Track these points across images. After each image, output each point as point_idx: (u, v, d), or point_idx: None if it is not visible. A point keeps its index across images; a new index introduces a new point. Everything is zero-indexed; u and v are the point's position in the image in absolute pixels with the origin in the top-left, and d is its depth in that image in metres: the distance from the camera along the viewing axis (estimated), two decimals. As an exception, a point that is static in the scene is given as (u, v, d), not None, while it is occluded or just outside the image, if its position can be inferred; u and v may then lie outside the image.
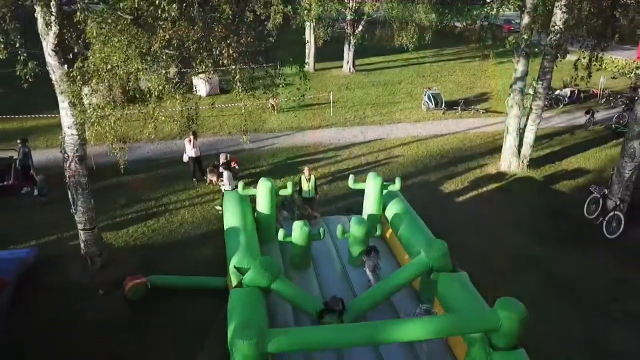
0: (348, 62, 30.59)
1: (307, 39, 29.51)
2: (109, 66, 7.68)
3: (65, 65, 8.65)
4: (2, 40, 7.58)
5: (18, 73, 7.89)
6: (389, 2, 26.12)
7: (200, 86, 23.99)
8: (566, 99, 24.12)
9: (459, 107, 22.80)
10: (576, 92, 24.38)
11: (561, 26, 14.00)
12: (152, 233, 12.37)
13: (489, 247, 12.05)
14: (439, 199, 14.51)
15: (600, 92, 25.13)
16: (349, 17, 29.18)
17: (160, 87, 7.49)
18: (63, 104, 9.04)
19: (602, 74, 26.55)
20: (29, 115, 19.53)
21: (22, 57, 7.84)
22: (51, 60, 8.58)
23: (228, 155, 14.94)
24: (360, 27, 29.45)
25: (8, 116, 19.50)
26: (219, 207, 13.25)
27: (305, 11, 26.09)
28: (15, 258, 10.06)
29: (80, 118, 8.63)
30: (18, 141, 14.16)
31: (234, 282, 8.23)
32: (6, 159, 14.26)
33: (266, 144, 18.52)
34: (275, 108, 21.95)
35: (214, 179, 14.53)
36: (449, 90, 26.04)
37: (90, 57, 7.81)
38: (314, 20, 26.81)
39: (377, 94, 25.71)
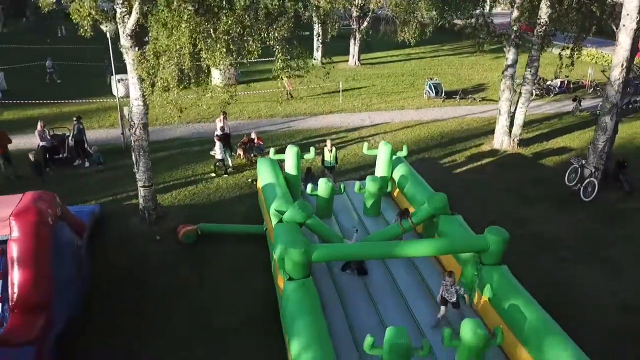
0: (354, 56, 32.60)
1: (315, 33, 31.43)
2: (178, 46, 9.69)
3: (137, 48, 10.65)
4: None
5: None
6: (393, -1, 28.09)
7: (218, 77, 25.99)
8: (556, 88, 26.16)
9: (458, 96, 24.85)
10: (566, 82, 26.42)
11: (546, 19, 16.03)
12: (192, 196, 14.40)
13: (482, 209, 14.02)
14: (438, 171, 16.50)
15: (589, 83, 27.15)
16: (355, 14, 31.24)
17: (221, 62, 9.50)
18: (132, 79, 11.05)
19: (591, 66, 28.65)
20: (72, 101, 21.64)
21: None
22: (126, 42, 10.61)
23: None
24: (365, 23, 31.49)
25: (58, 101, 21.67)
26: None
27: (315, 8, 28.15)
28: (88, 210, 12.05)
29: (148, 90, 10.64)
30: (74, 119, 16.19)
31: (274, 221, 10.24)
32: (61, 136, 16.30)
33: (283, 126, 20.56)
34: (292, 95, 23.99)
35: (242, 153, 16.63)
36: (448, 82, 28.04)
37: (162, 40, 9.82)
38: (322, 16, 28.82)
39: (382, 84, 27.76)
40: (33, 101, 21.56)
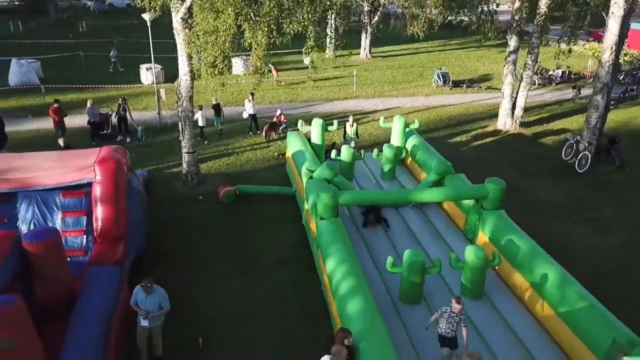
0: (365, 49, 34.24)
1: (329, 27, 33.06)
2: (224, 27, 11.39)
3: (187, 29, 12.35)
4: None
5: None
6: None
7: (239, 66, 27.77)
8: (558, 78, 27.70)
9: (464, 85, 26.46)
10: (567, 73, 27.95)
11: (545, 9, 17.61)
12: (226, 166, 16.13)
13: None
14: (446, 149, 18.05)
15: (589, 74, 28.65)
16: (366, 9, 32.89)
17: (264, 40, 11.17)
18: (182, 57, 12.77)
19: (591, 58, 30.14)
20: (105, 86, 23.51)
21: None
22: (178, 25, 12.33)
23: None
24: (376, 18, 33.13)
25: (94, 86, 23.52)
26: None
27: (328, 2, 29.81)
28: (139, 174, 13.75)
29: (196, 66, 12.35)
30: (120, 99, 18.00)
31: (305, 179, 11.92)
32: (105, 114, 18.09)
33: (303, 110, 22.26)
34: (281, 82, 25.66)
35: (264, 131, 18.40)
36: (455, 73, 29.62)
37: (209, 22, 11.52)
38: (334, 11, 30.43)
39: (393, 74, 29.42)
40: (70, 85, 23.39)
